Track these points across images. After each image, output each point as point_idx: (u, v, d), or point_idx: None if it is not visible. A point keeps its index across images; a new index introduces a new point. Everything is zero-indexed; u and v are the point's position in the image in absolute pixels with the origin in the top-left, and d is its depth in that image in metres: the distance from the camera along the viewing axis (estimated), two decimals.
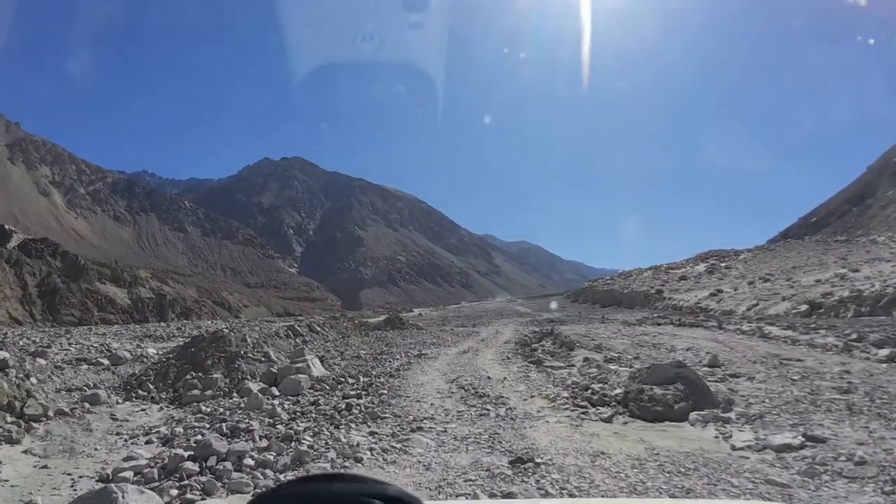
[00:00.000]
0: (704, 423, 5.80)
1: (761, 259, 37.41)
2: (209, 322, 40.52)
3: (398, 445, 5.43)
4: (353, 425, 6.26)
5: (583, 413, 6.55)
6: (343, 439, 5.62)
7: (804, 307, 19.29)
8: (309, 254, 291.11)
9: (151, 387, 9.57)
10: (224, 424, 6.16)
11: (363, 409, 7.07)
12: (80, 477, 5.12)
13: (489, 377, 9.32)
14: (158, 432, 6.56)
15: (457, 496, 4.13)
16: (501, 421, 6.30)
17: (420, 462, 4.91)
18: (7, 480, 5.06)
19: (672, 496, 3.93)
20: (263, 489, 4.31)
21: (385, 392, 8.28)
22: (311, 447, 5.31)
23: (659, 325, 17.89)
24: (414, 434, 5.80)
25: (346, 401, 7.52)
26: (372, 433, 5.93)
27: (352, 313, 44.70)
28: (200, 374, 9.71)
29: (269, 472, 4.69)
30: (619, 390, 7.26)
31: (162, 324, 40.94)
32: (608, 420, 6.16)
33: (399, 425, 6.26)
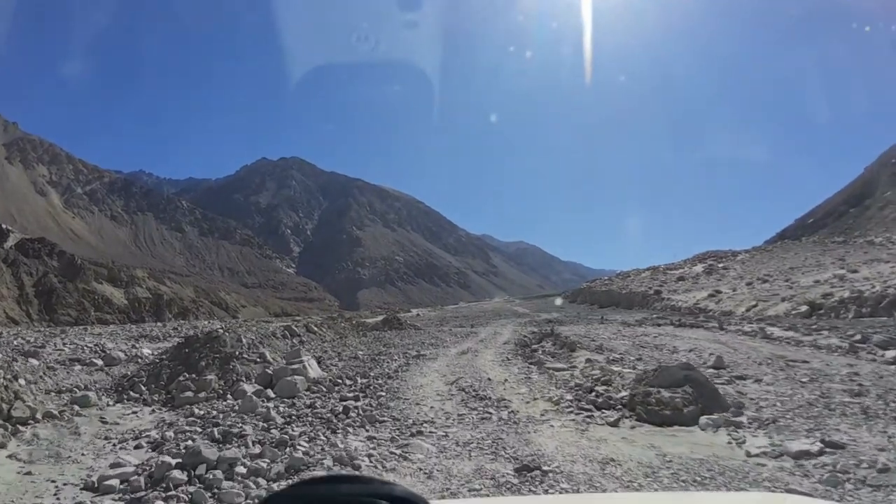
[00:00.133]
0: (716, 428, 5.59)
1: (759, 260, 37.30)
2: (206, 322, 40.22)
3: (398, 451, 5.21)
4: (350, 430, 6.04)
5: (588, 417, 6.34)
6: (340, 445, 5.39)
7: (804, 308, 19.16)
8: (307, 254, 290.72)
9: (143, 388, 9.32)
10: (216, 429, 5.91)
11: (361, 412, 6.85)
12: (65, 484, 4.88)
13: (490, 379, 9.11)
14: (148, 436, 6.31)
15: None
16: (504, 425, 6.08)
17: (421, 469, 4.69)
18: None
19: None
20: (256, 499, 4.10)
21: (383, 394, 8.06)
22: (306, 453, 5.08)
23: (659, 325, 17.73)
24: (414, 439, 5.58)
25: (344, 403, 7.30)
26: (370, 438, 5.70)
27: (349, 313, 44.49)
28: (194, 375, 9.46)
29: (261, 480, 4.45)
30: (624, 393, 7.05)
31: (158, 324, 40.65)
32: (615, 424, 5.95)
33: (398, 429, 6.04)
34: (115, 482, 4.57)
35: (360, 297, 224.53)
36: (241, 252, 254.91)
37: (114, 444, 6.17)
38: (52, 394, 9.12)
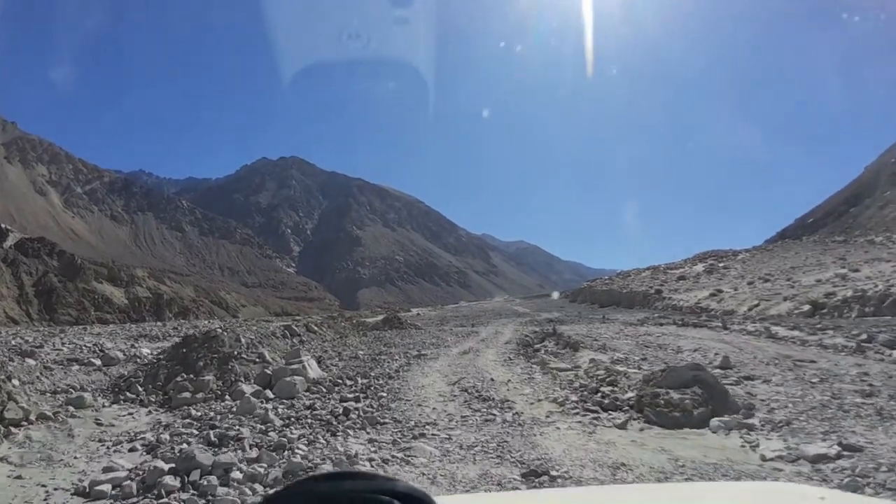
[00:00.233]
0: (727, 431, 5.42)
1: (759, 259, 37.14)
2: (206, 322, 40.05)
3: (399, 455, 5.04)
4: (350, 432, 5.87)
5: (594, 418, 6.18)
6: (340, 448, 5.22)
7: (807, 307, 19.01)
8: (307, 253, 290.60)
9: (140, 389, 9.15)
10: (212, 432, 5.73)
11: (361, 413, 6.69)
12: (56, 489, 4.72)
13: (492, 379, 8.95)
14: (143, 439, 6.13)
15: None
16: (509, 427, 5.92)
17: (424, 474, 4.53)
18: None
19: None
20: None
21: (384, 395, 7.90)
22: (304, 458, 4.90)
23: (661, 325, 17.57)
24: (416, 442, 5.42)
25: (344, 404, 7.14)
26: (371, 441, 5.53)
27: (350, 313, 44.29)
28: (192, 375, 9.29)
29: (258, 486, 4.27)
30: (630, 394, 6.89)
31: (158, 323, 40.47)
32: (623, 426, 5.79)
33: (400, 431, 5.87)
34: (106, 487, 4.40)
35: (360, 297, 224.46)
36: (241, 251, 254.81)
37: (108, 447, 5.99)
38: (48, 395, 8.95)
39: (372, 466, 4.77)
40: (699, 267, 38.54)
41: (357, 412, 6.74)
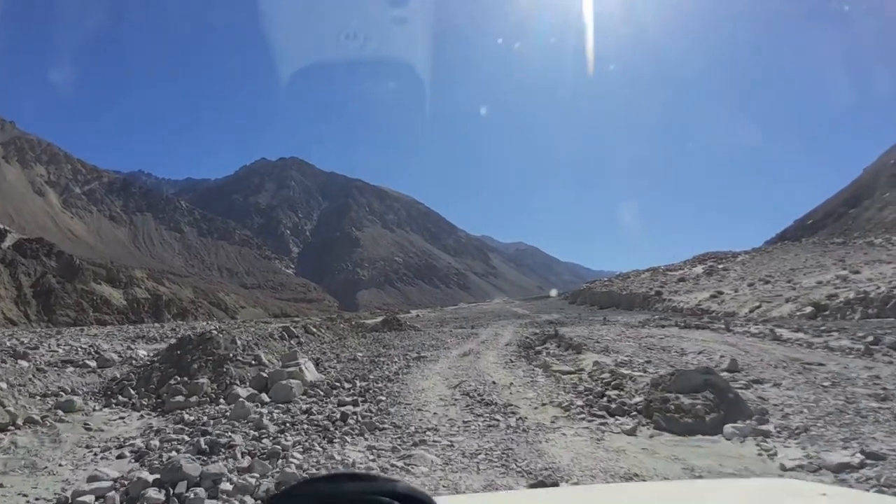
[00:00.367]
0: (742, 438, 5.18)
1: (759, 261, 36.95)
2: (205, 323, 39.83)
3: (399, 463, 4.81)
4: (348, 438, 5.64)
5: (602, 424, 5.95)
6: (337, 456, 4.99)
7: (809, 309, 18.83)
8: (306, 255, 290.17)
9: (133, 392, 8.91)
10: (203, 438, 5.47)
11: (360, 418, 6.45)
12: (37, 499, 4.49)
13: (494, 382, 8.72)
14: (133, 445, 5.88)
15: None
16: (513, 433, 5.69)
17: (425, 484, 4.30)
18: None
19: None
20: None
21: (383, 398, 7.67)
22: (299, 467, 4.67)
23: (663, 327, 17.36)
24: (416, 449, 5.19)
25: (342, 409, 6.90)
26: (370, 448, 5.30)
27: (349, 314, 44.03)
28: (186, 378, 9.06)
29: (248, 498, 4.03)
30: (638, 398, 6.67)
31: (157, 324, 40.27)
32: (631, 433, 5.56)
33: (400, 438, 5.64)
34: (89, 499, 4.16)
35: (359, 298, 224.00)
36: (240, 252, 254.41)
37: (95, 454, 5.76)
38: (38, 398, 8.70)
39: None
40: (699, 268, 38.34)
41: (355, 417, 6.51)
